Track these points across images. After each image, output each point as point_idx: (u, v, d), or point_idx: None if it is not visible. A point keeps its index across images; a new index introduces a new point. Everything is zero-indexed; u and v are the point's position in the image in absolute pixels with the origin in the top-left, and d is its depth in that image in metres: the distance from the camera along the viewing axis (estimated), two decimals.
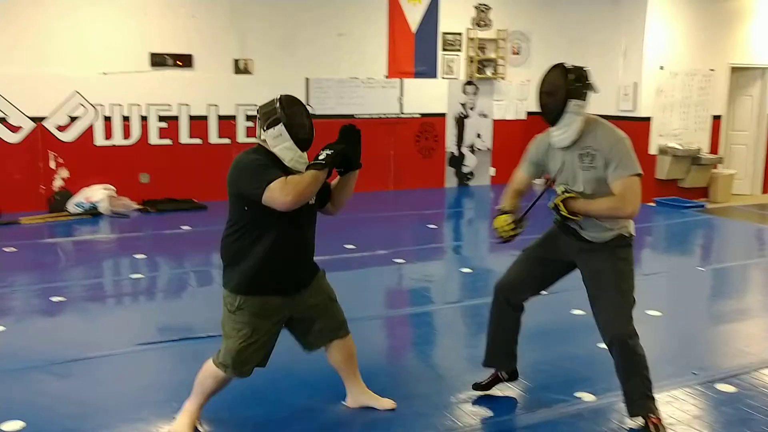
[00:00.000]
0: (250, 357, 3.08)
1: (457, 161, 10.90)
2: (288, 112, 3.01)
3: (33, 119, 8.19)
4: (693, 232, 8.42)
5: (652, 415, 3.28)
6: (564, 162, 3.30)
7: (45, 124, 8.25)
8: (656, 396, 3.35)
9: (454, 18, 10.43)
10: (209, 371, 3.15)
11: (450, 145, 10.79)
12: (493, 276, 6.06)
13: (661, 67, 9.67)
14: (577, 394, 3.72)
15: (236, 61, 9.12)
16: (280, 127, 2.99)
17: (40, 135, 8.25)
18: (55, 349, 4.15)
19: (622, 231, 3.31)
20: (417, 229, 7.91)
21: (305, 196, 2.94)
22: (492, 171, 11.16)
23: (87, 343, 4.26)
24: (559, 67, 3.24)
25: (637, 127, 9.73)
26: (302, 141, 3.05)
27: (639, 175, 3.16)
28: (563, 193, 3.29)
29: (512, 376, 3.76)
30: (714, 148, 10.29)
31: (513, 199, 3.53)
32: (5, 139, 8.11)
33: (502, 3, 10.71)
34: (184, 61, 8.79)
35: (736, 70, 10.31)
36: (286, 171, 2.99)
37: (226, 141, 9.20)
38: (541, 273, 3.54)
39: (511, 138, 11.08)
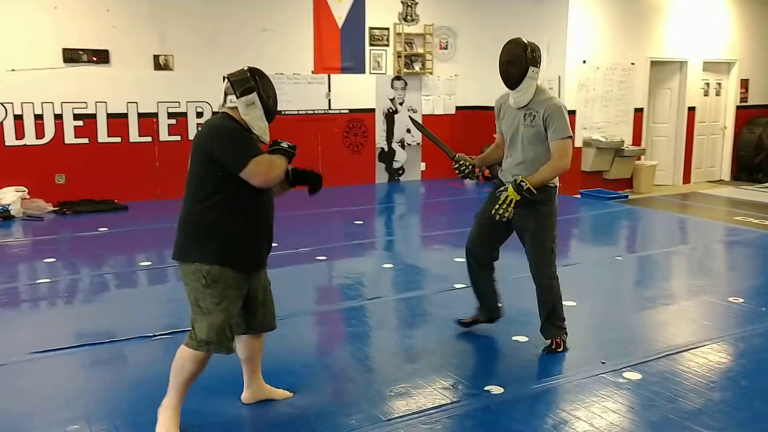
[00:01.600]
0: (232, 330, 3.07)
1: (387, 157, 10.87)
2: (261, 83, 3.08)
3: None
4: (615, 223, 8.59)
5: (557, 338, 4.14)
6: (513, 119, 4.01)
7: None
8: (563, 384, 3.63)
9: (381, 13, 10.39)
10: (187, 355, 3.05)
11: (380, 140, 10.75)
12: (418, 271, 6.10)
13: (584, 62, 9.84)
14: (487, 388, 3.70)
15: (156, 56, 8.86)
16: (254, 96, 3.04)
17: None
18: None
19: (548, 183, 3.94)
20: (344, 226, 7.84)
21: (279, 178, 3.10)
22: (422, 166, 11.17)
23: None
24: (518, 40, 3.97)
25: None
26: (272, 112, 3.15)
27: (570, 137, 3.89)
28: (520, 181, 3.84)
29: (492, 320, 4.42)
30: (636, 140, 10.53)
31: (493, 151, 4.29)
32: None
33: None
34: (101, 57, 8.49)
35: (655, 63, 10.57)
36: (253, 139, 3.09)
37: (148, 139, 8.94)
38: (493, 230, 4.17)
39: (440, 133, 10.94)
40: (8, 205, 7.82)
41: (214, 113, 3.22)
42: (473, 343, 4.37)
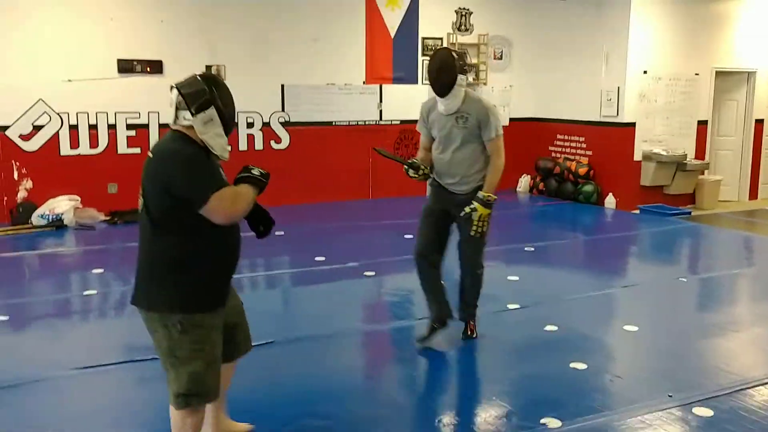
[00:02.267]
0: (216, 376, 2.70)
1: None
2: (219, 93, 2.65)
3: None
4: (677, 241, 8.19)
5: (472, 322, 4.55)
6: (443, 123, 4.22)
7: (7, 133, 7.98)
8: (627, 419, 3.40)
9: (435, 22, 10.21)
10: (180, 418, 2.68)
11: None
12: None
13: (645, 72, 9.46)
14: (543, 420, 3.45)
15: (208, 67, 8.86)
16: (212, 111, 2.61)
17: (3, 145, 7.97)
18: None
19: (480, 181, 4.23)
20: (393, 241, 7.64)
21: (245, 213, 2.71)
22: None
23: (18, 368, 3.98)
24: (447, 50, 4.20)
25: (621, 132, 9.53)
26: (231, 126, 2.72)
27: (501, 135, 4.22)
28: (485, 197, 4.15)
29: (446, 322, 4.44)
30: (700, 154, 10.08)
31: (424, 155, 4.47)
32: None
33: (483, 7, 10.50)
34: (154, 67, 8.53)
35: (720, 74, 10.10)
36: (212, 163, 2.68)
37: None
38: (437, 230, 4.40)
39: None
40: (61, 214, 7.89)
41: (172, 131, 2.69)
42: (527, 370, 4.13)
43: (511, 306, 5.23)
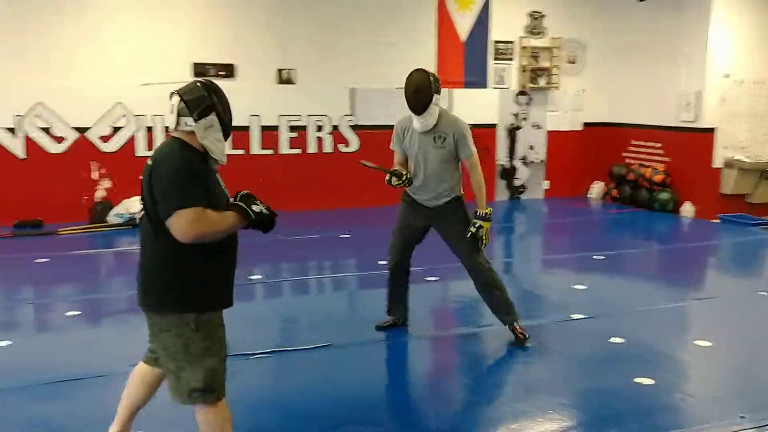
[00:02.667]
0: (224, 373, 2.77)
1: (508, 174, 10.50)
2: (218, 99, 2.72)
3: (76, 130, 8.26)
4: (759, 253, 7.78)
5: (516, 325, 4.53)
6: (419, 142, 4.36)
7: (87, 135, 8.31)
8: None
9: (507, 26, 10.06)
10: (204, 417, 2.74)
11: (501, 157, 10.40)
12: (534, 297, 5.72)
13: (726, 75, 9.05)
14: None
15: (280, 70, 9.00)
16: (213, 117, 2.68)
17: (83, 146, 8.31)
18: (48, 368, 4.00)
19: (455, 194, 4.45)
20: None
21: (210, 238, 2.63)
22: (545, 184, 10.71)
23: (82, 363, 4.10)
24: (422, 71, 4.35)
25: (700, 138, 9.14)
26: (229, 131, 2.79)
27: (476, 152, 4.43)
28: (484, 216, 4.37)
29: (404, 323, 4.76)
30: None
31: (401, 168, 4.49)
32: (49, 150, 8.20)
33: (556, 10, 10.28)
34: (227, 70, 8.72)
35: None
36: (208, 170, 2.73)
37: (269, 152, 9.08)
38: (411, 240, 4.62)
39: (565, 150, 10.62)
40: (136, 213, 8.15)
41: (172, 137, 2.79)
42: (589, 383, 3.99)
43: (575, 316, 5.08)
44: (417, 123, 4.31)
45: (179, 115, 2.67)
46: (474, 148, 4.39)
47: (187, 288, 2.67)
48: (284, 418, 3.47)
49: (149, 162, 2.70)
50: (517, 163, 10.51)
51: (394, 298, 4.74)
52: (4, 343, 4.43)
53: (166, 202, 2.56)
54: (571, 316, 5.09)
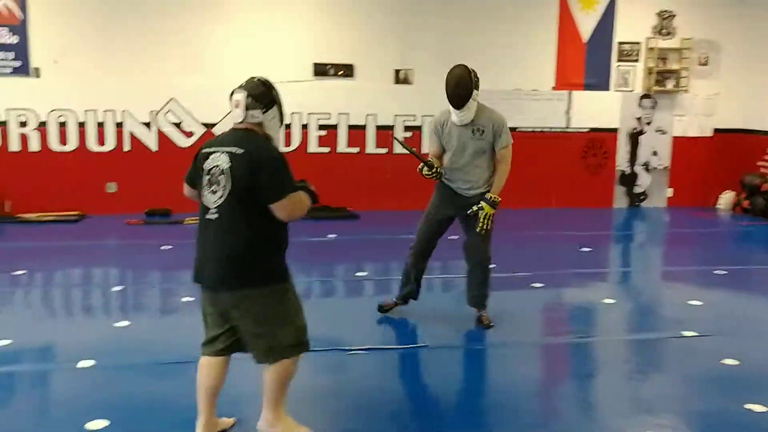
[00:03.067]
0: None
1: (628, 180, 10.09)
2: (276, 93, 3.10)
3: (204, 125, 8.75)
4: None
5: (484, 312, 4.90)
6: (458, 135, 4.61)
7: (214, 130, 8.77)
8: None
9: (633, 26, 9.68)
10: (287, 366, 3.11)
11: (621, 162, 10.01)
12: (644, 311, 5.50)
13: None
14: None
15: (397, 71, 9.12)
16: (275, 109, 3.07)
17: None
18: (165, 349, 4.27)
19: (489, 185, 4.67)
20: (568, 253, 7.35)
21: (298, 219, 3.08)
22: (669, 192, 10.21)
23: (194, 346, 4.31)
24: (463, 67, 4.57)
25: None
26: (283, 122, 3.18)
27: (511, 143, 4.68)
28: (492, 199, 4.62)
29: (412, 298, 5.09)
30: None
31: (437, 161, 4.74)
32: (178, 144, 8.73)
33: (688, 9, 9.77)
34: (346, 70, 8.94)
35: None
36: None
37: (383, 151, 9.22)
38: (439, 231, 4.87)
39: (692, 157, 10.09)
40: None
41: (244, 129, 3.07)
42: (697, 405, 3.78)
43: (686, 333, 4.83)
44: (456, 117, 4.56)
45: (247, 108, 3.01)
46: (509, 140, 4.63)
47: (279, 261, 3.08)
48: (368, 417, 3.53)
49: (236, 151, 2.94)
50: (639, 170, 10.08)
51: (409, 280, 5.03)
52: (124, 324, 4.78)
53: (278, 188, 2.92)
54: (682, 332, 4.85)
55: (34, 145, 8.45)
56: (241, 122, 3.05)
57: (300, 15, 8.80)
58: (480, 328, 4.80)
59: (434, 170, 4.63)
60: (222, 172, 2.92)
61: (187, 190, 3.22)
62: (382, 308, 5.10)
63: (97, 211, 8.56)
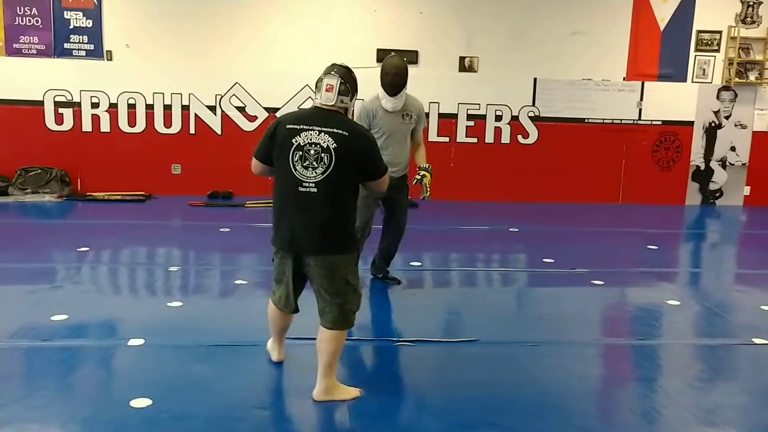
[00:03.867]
0: None
1: (702, 176, 9.65)
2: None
3: (267, 110, 8.79)
4: None
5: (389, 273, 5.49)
6: (388, 121, 4.94)
7: (277, 115, 8.78)
8: None
9: (713, 14, 9.23)
10: (344, 334, 3.41)
11: (696, 157, 9.58)
12: (710, 314, 5.20)
13: None
14: None
15: (462, 58, 8.94)
16: (355, 97, 3.44)
17: None
18: (212, 332, 4.27)
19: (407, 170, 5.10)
20: (633, 250, 7.06)
21: None
22: (746, 190, 9.71)
23: (239, 331, 4.34)
24: (399, 57, 5.12)
25: None
26: None
27: None
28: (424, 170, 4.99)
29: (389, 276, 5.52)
30: None
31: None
32: (243, 128, 8.81)
33: None
34: (410, 57, 8.80)
35: None
36: None
37: (445, 140, 9.08)
38: (373, 211, 5.07)
39: None
40: None
41: (316, 107, 3.37)
42: (762, 416, 3.53)
43: (757, 340, 4.54)
44: (389, 103, 4.90)
45: (339, 93, 3.30)
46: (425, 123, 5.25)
47: (352, 233, 3.41)
48: (415, 409, 3.46)
49: (342, 132, 3.22)
50: (715, 166, 9.62)
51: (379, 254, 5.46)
52: (177, 304, 4.83)
53: (380, 165, 3.36)
54: (753, 339, 4.56)
55: (105, 126, 8.68)
56: (332, 105, 3.30)
57: (366, 1, 8.72)
58: (556, 336, 4.61)
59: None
60: (324, 150, 3.20)
61: (257, 166, 3.47)
62: (384, 278, 5.48)
63: (163, 191, 8.73)
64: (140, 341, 4.09)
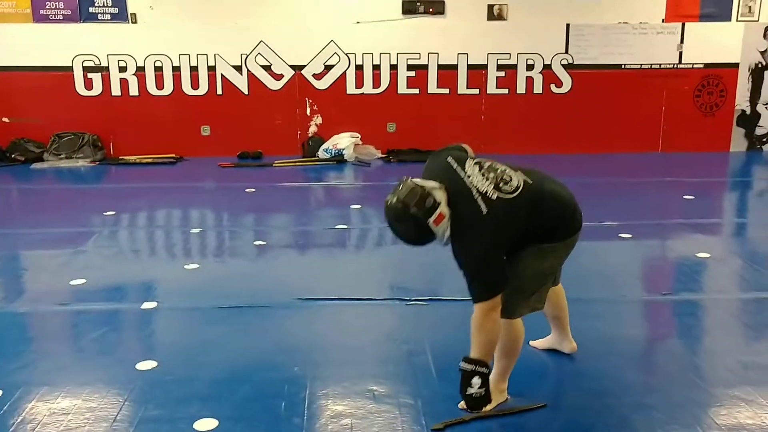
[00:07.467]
0: None
1: (748, 121, 9.20)
2: None
3: (293, 68, 8.69)
4: None
5: None
6: None
7: (303, 72, 8.70)
8: None
9: None
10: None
11: (741, 101, 9.12)
12: (745, 267, 4.93)
13: None
14: None
15: (491, 6, 8.63)
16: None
17: (298, 83, 8.72)
18: (226, 294, 4.26)
19: None
20: (666, 201, 6.79)
21: None
22: None
23: (255, 292, 4.33)
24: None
25: None
26: None
27: None
28: None
29: None
30: None
31: None
32: (269, 86, 8.74)
33: None
34: (436, 7, 8.56)
35: None
36: None
37: (475, 92, 8.84)
38: None
39: None
40: (343, 149, 8.45)
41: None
42: None
43: None
44: None
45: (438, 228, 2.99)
46: None
47: None
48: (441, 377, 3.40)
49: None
50: (761, 109, 9.15)
51: None
52: (194, 266, 4.85)
53: None
54: None
55: (134, 90, 8.71)
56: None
57: None
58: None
59: None
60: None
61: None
62: None
63: (193, 153, 8.77)
64: (153, 304, 4.12)
